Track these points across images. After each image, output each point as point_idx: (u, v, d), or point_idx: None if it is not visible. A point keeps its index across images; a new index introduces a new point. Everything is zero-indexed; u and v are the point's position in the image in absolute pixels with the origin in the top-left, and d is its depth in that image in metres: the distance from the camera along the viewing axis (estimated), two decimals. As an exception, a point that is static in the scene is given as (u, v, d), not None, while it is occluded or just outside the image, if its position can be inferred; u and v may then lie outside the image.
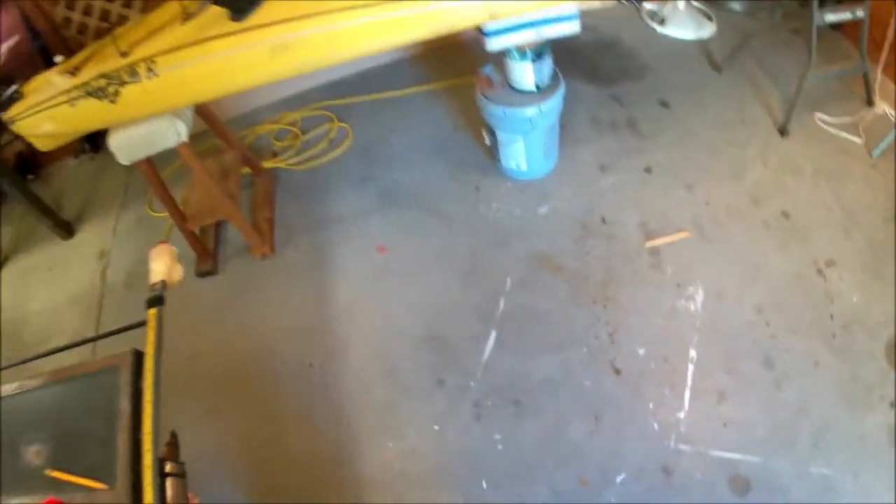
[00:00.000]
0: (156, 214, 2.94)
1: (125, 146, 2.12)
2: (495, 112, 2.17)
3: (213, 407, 2.04)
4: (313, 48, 1.70)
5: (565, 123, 2.41)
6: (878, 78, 2.32)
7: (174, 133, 2.07)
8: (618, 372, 1.86)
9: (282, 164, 2.84)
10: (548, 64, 2.13)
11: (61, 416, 1.33)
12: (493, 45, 1.90)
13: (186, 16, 1.79)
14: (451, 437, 1.84)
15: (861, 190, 2.16)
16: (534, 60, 2.06)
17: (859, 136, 2.31)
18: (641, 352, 1.89)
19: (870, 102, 2.38)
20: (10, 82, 2.42)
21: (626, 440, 1.73)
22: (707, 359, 1.85)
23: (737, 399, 1.76)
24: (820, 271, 1.98)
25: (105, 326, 2.43)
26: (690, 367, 1.84)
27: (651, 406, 1.78)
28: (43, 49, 3.23)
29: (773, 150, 2.34)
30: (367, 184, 2.61)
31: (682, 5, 2.89)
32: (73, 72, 1.98)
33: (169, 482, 1.11)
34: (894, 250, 1.98)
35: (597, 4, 2.11)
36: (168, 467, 1.12)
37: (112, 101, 1.86)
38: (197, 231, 2.54)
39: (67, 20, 3.12)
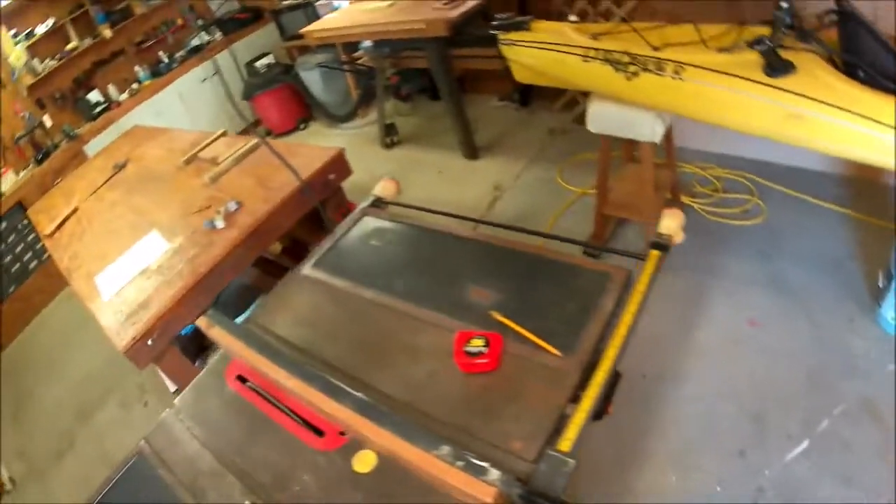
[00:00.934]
0: (564, 184, 3.43)
1: (603, 117, 2.45)
2: None
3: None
4: (820, 132, 1.88)
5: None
6: None
7: (650, 130, 2.38)
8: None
9: (695, 205, 3.17)
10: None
11: (529, 282, 1.50)
12: None
13: (721, 48, 2.08)
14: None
15: None
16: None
17: None
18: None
19: None
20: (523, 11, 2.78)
21: None
22: None
23: None
24: None
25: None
26: None
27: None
28: (522, 1, 3.81)
29: None
30: (762, 261, 2.84)
31: None
32: (595, 37, 2.31)
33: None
34: None
35: None
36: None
37: (627, 78, 2.16)
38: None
39: None
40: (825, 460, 2.11)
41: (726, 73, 2.00)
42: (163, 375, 2.24)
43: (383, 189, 2.03)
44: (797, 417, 2.24)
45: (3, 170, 4.14)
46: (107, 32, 4.92)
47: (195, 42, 5.49)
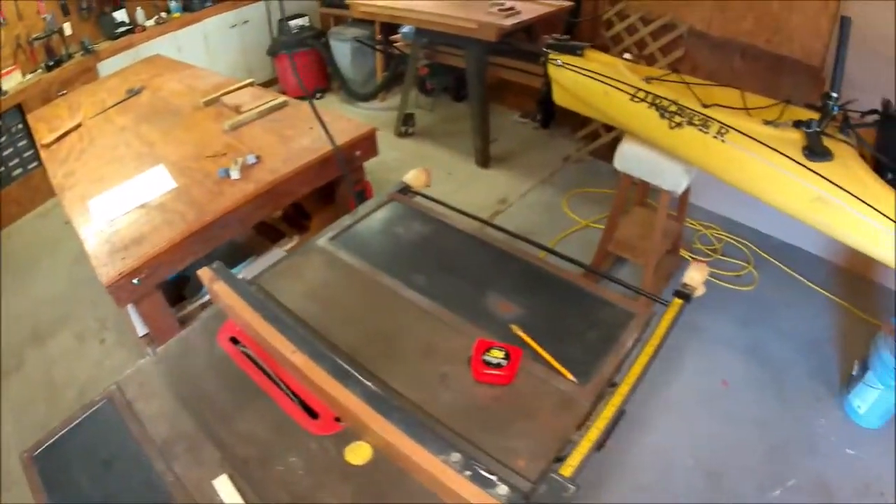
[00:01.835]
0: (568, 212, 3.49)
1: (632, 158, 2.50)
2: (884, 357, 2.31)
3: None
4: (842, 221, 1.95)
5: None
6: None
7: (676, 182, 2.43)
8: None
9: (692, 261, 3.19)
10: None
11: (554, 304, 1.50)
12: None
13: (766, 121, 2.12)
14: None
15: None
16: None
17: None
18: None
19: None
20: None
21: None
22: None
23: None
24: None
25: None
26: None
27: None
28: (570, 27, 3.82)
29: None
30: (743, 327, 2.93)
31: None
32: (648, 80, 2.35)
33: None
34: None
35: None
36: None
37: (669, 126, 2.21)
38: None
39: (610, 23, 3.68)
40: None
41: (768, 146, 2.05)
42: (133, 317, 2.16)
43: (415, 178, 2.00)
44: (751, 482, 2.31)
45: (11, 68, 3.97)
46: (149, -51, 4.80)
47: None
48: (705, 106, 2.20)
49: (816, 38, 3.00)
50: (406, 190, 1.98)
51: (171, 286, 2.33)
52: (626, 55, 2.59)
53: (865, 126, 2.22)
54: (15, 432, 2.63)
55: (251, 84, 3.04)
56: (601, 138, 3.94)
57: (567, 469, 1.10)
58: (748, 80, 3.28)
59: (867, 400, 2.45)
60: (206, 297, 2.33)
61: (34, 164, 4.22)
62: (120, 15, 4.63)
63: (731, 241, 3.43)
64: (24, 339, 3.20)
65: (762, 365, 2.75)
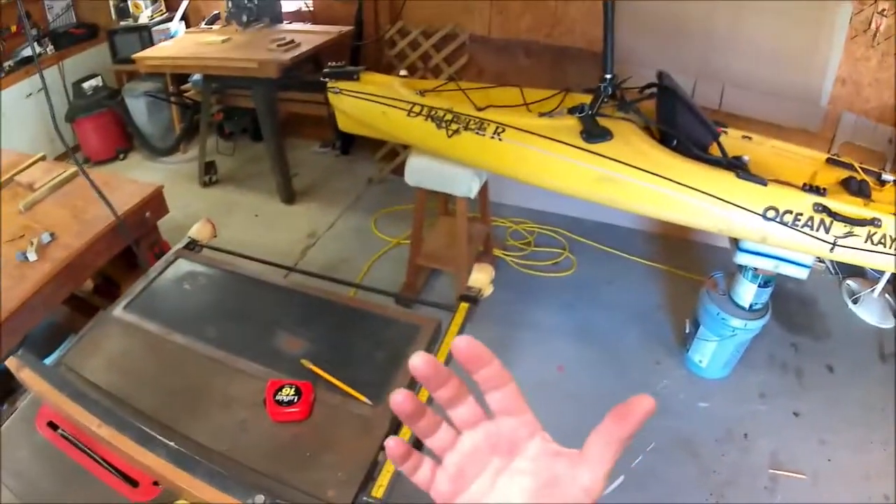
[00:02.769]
0: (378, 233, 3.46)
1: (420, 171, 2.51)
2: (711, 310, 2.45)
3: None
4: (631, 194, 2.03)
5: (748, 347, 2.67)
6: None
7: (467, 187, 2.45)
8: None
9: (508, 258, 3.28)
10: (767, 292, 2.40)
11: (340, 332, 1.53)
12: (741, 259, 2.19)
13: (541, 113, 2.19)
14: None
15: None
16: (760, 285, 2.34)
17: None
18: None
19: None
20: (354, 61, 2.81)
21: None
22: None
23: None
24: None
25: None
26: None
27: None
28: (355, 51, 3.81)
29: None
30: (569, 311, 2.99)
31: (877, 293, 3.14)
32: (422, 93, 2.39)
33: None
34: None
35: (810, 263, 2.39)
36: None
37: (448, 135, 2.23)
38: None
39: (393, 42, 3.71)
40: (644, 493, 2.21)
41: (544, 137, 2.10)
42: None
43: (199, 231, 1.94)
44: (606, 455, 2.32)
45: None
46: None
47: (26, 53, 4.87)
48: (480, 109, 2.23)
49: (595, 25, 3.11)
50: (193, 244, 1.93)
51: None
52: (403, 72, 2.61)
53: (645, 100, 2.33)
54: None
55: (43, 158, 2.83)
56: (400, 156, 3.95)
57: (378, 490, 1.13)
58: (535, 76, 3.40)
59: (706, 353, 2.60)
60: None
61: None
62: None
63: (544, 231, 3.52)
64: None
65: (594, 343, 2.82)
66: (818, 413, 2.60)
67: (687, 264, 3.23)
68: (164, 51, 4.03)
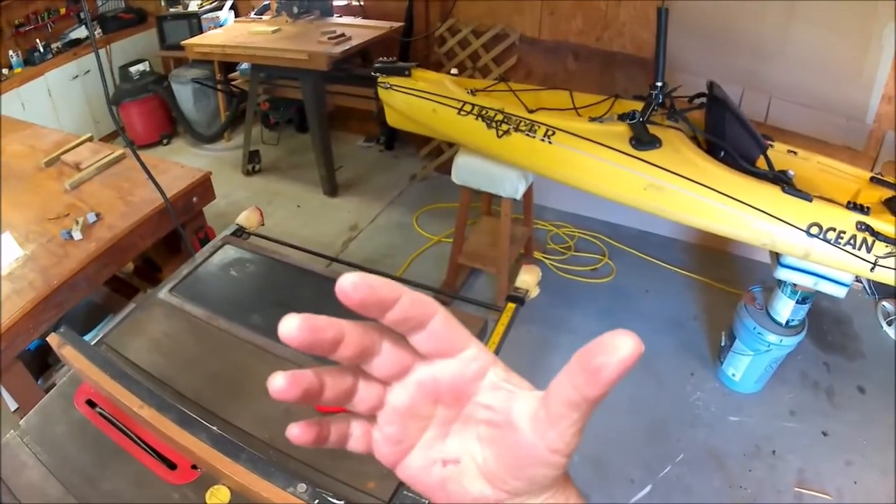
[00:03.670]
0: (420, 230, 3.49)
1: (467, 170, 2.52)
2: (747, 324, 2.44)
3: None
4: (677, 204, 2.02)
5: (781, 364, 2.65)
6: None
7: (513, 188, 2.46)
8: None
9: (548, 261, 3.31)
10: (804, 309, 2.39)
11: None
12: (782, 274, 2.17)
13: (592, 118, 2.20)
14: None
15: None
16: (798, 301, 2.32)
17: None
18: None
19: None
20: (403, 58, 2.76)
21: None
22: None
23: None
24: None
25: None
26: None
27: None
28: (404, 47, 3.84)
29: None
30: (606, 317, 3.00)
31: (913, 317, 3.09)
32: (473, 92, 2.40)
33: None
34: None
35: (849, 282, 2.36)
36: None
37: (497, 135, 2.25)
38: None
39: (443, 39, 3.73)
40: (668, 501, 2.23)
41: (594, 142, 2.11)
42: (4, 392, 2.07)
43: (247, 219, 1.96)
44: (638, 464, 2.35)
45: None
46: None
47: (74, 35, 5.01)
48: (531, 111, 2.24)
49: (646, 30, 3.13)
50: (241, 231, 1.95)
51: (34, 355, 2.28)
52: (453, 70, 2.62)
53: (695, 109, 2.33)
54: None
55: (90, 139, 2.88)
56: (444, 154, 3.98)
57: (419, 485, 1.11)
58: (583, 79, 3.41)
59: (740, 367, 2.59)
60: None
61: None
62: (-42, 75, 4.16)
63: (585, 236, 3.54)
64: None
65: (629, 351, 2.82)
66: (847, 434, 2.58)
67: (724, 276, 3.22)
68: (213, 39, 4.09)
